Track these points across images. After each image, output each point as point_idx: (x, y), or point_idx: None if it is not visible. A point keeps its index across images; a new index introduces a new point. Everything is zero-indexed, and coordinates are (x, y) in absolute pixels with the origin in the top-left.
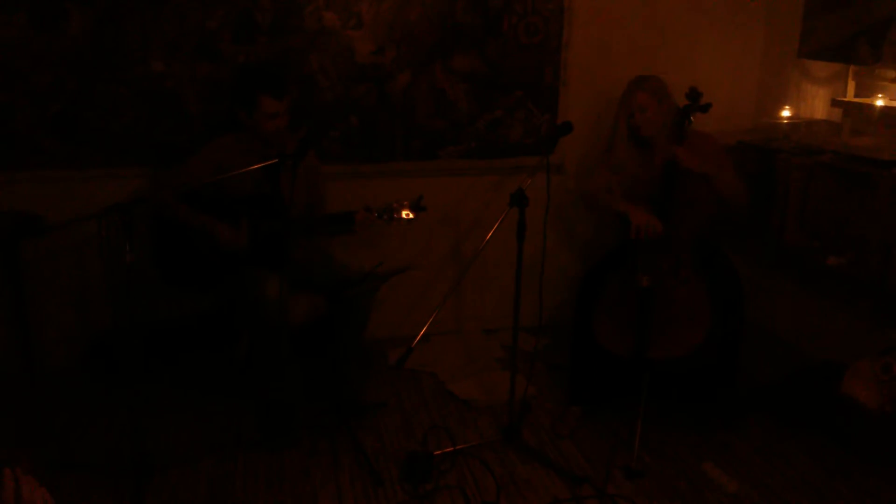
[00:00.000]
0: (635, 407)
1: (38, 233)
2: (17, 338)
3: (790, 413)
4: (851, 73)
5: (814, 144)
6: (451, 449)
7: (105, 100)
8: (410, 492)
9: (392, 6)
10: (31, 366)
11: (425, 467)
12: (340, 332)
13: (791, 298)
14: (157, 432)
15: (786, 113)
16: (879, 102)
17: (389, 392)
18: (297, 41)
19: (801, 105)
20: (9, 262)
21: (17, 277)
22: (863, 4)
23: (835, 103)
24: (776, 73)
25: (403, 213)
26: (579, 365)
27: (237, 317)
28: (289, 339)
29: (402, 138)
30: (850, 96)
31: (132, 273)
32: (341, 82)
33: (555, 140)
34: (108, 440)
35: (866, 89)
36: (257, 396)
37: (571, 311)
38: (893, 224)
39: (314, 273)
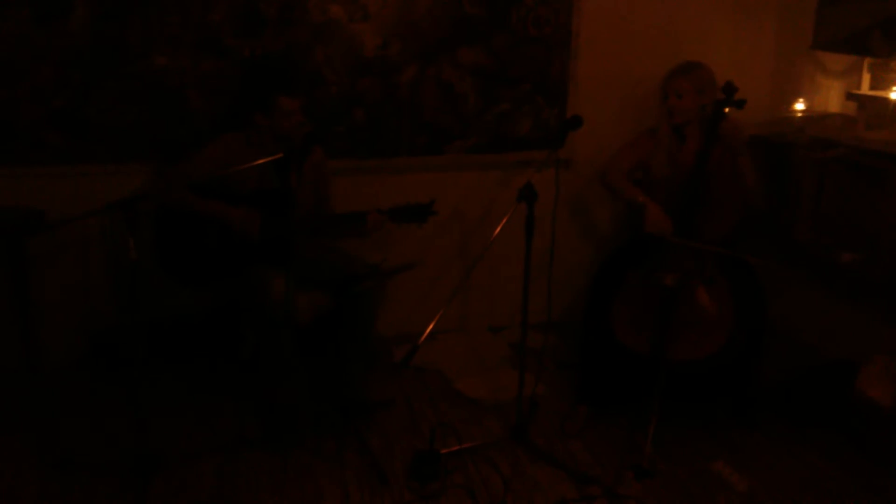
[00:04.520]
0: (645, 406)
1: (41, 229)
2: (20, 334)
3: (802, 412)
4: (866, 66)
5: (828, 138)
6: (458, 448)
7: (109, 95)
8: (417, 491)
9: None
10: (33, 363)
11: (432, 466)
12: (347, 329)
13: (804, 296)
14: (161, 431)
15: (799, 106)
16: (895, 95)
17: (396, 390)
18: (302, 34)
19: (815, 98)
20: (12, 258)
21: (21, 274)
22: None
23: (850, 96)
24: (790, 65)
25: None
26: (590, 363)
27: (242, 315)
28: (294, 337)
29: (409, 133)
30: (865, 89)
31: (136, 270)
32: (347, 76)
33: (564, 134)
34: (112, 438)
35: (882, 82)
36: (262, 395)
37: (581, 308)
38: None
39: (321, 269)
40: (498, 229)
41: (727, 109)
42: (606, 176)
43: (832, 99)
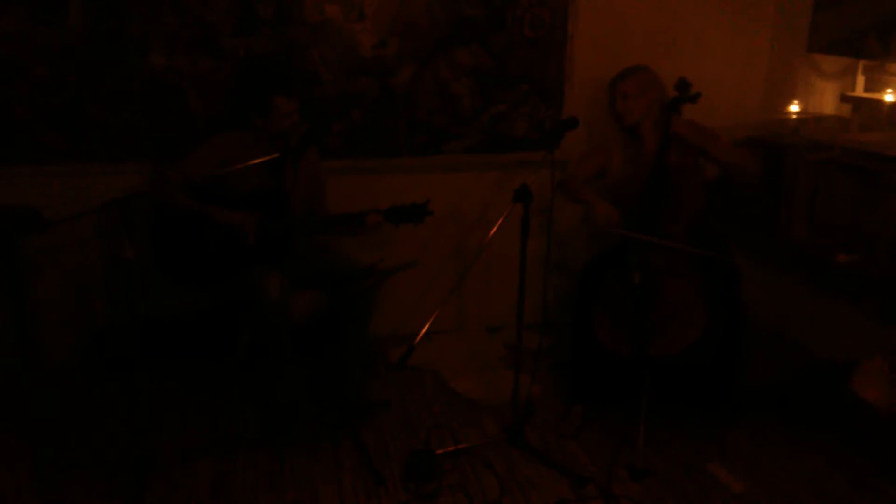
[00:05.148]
0: (640, 406)
1: (37, 228)
2: (17, 334)
3: (798, 413)
4: (861, 68)
5: (823, 140)
6: (454, 448)
7: (106, 94)
8: (413, 491)
9: None
10: (30, 362)
11: (428, 467)
12: (343, 329)
13: (799, 297)
14: (157, 430)
15: (794, 108)
16: (889, 98)
17: (392, 390)
18: (298, 34)
19: (810, 100)
20: (8, 257)
21: (17, 273)
22: None
23: (844, 98)
24: (785, 67)
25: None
26: (580, 362)
27: (238, 314)
28: (290, 337)
29: (405, 133)
30: (859, 91)
31: (132, 269)
32: (343, 76)
33: (560, 135)
34: (108, 438)
35: (876, 84)
36: (258, 394)
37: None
38: None
39: (316, 269)
40: (493, 230)
41: (673, 115)
42: (563, 184)
43: (827, 101)
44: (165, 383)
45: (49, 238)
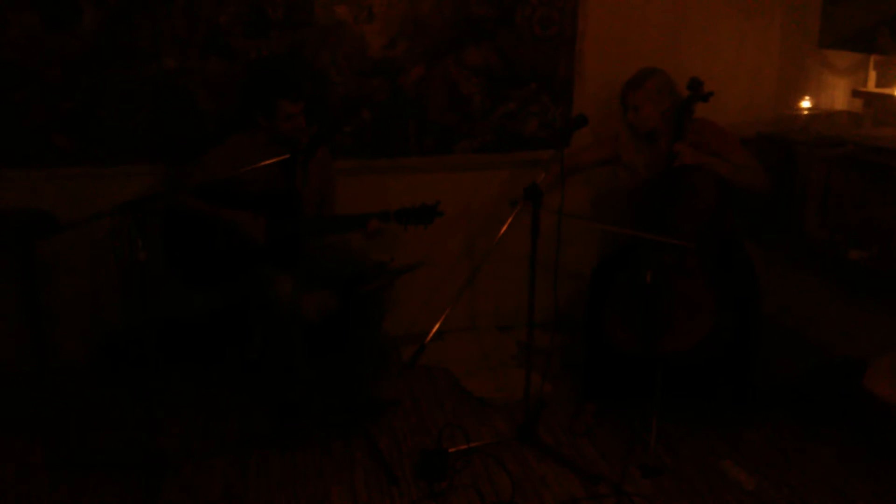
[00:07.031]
0: (652, 404)
1: (51, 231)
2: (31, 335)
3: (811, 410)
4: (872, 63)
5: (835, 136)
6: (466, 447)
7: (118, 97)
8: (425, 490)
9: None
10: (44, 363)
11: (440, 465)
12: (354, 329)
13: (812, 293)
14: (170, 430)
15: (806, 104)
16: None
17: (404, 389)
18: (308, 35)
19: (822, 96)
20: (22, 260)
21: (31, 275)
22: None
23: (856, 94)
24: (796, 63)
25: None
26: (593, 361)
27: (250, 315)
28: (302, 337)
29: (415, 133)
30: (871, 87)
31: (145, 270)
32: (353, 77)
33: (569, 133)
34: (122, 438)
35: (888, 79)
36: (270, 394)
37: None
38: None
39: (328, 268)
40: (504, 228)
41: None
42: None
43: (838, 96)
44: (178, 384)
45: (62, 240)
